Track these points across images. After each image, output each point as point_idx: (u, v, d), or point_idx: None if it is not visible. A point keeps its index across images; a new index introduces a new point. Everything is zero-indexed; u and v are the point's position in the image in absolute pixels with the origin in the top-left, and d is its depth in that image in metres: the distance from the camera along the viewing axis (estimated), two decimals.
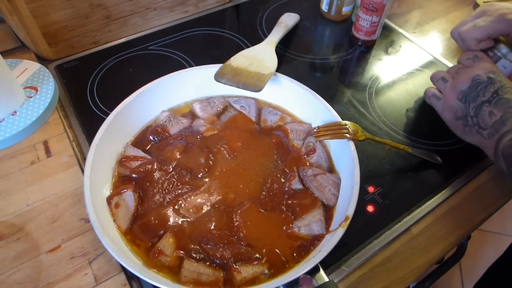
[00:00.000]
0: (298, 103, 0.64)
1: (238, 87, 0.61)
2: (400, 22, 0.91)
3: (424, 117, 0.70)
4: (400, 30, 0.88)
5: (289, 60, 0.80)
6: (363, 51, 0.83)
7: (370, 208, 0.58)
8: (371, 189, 0.60)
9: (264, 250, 0.50)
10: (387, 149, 0.62)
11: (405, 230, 0.56)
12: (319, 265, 0.46)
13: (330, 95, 0.73)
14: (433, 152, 0.64)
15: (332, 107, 0.60)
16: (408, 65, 0.80)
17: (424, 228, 0.57)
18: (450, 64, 0.81)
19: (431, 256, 0.54)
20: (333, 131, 0.57)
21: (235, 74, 0.62)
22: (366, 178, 0.59)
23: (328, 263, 0.51)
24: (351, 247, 0.53)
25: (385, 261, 0.53)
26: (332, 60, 0.81)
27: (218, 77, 0.62)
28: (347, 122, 0.58)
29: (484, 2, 0.83)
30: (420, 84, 0.76)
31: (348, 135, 0.56)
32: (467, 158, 0.64)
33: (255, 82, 0.61)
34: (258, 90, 0.60)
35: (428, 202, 0.59)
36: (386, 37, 0.86)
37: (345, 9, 0.85)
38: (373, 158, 0.63)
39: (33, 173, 0.57)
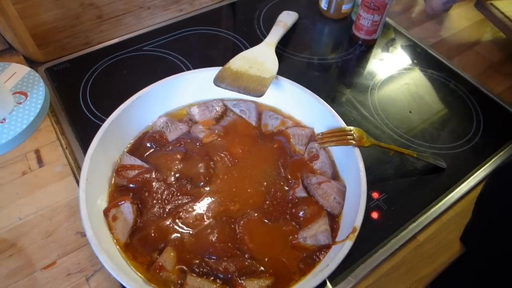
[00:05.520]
0: (300, 107, 0.62)
1: (239, 92, 0.58)
2: (400, 20, 0.89)
3: (427, 119, 0.69)
4: (400, 29, 0.86)
5: (287, 59, 0.78)
6: (363, 50, 0.81)
7: (375, 215, 0.56)
8: (375, 195, 0.58)
9: (269, 263, 0.48)
10: (392, 154, 0.60)
11: (411, 238, 0.55)
12: (326, 279, 0.45)
13: (330, 97, 0.71)
14: (437, 156, 0.63)
15: (333, 108, 0.59)
16: (409, 65, 0.79)
17: (430, 235, 0.56)
18: (449, 64, 0.79)
19: (438, 264, 0.53)
20: (338, 137, 0.55)
21: (235, 78, 0.60)
22: (370, 183, 0.57)
23: (334, 274, 0.49)
24: (357, 256, 0.52)
25: (392, 270, 0.52)
26: (331, 59, 0.79)
27: (218, 81, 0.59)
28: (351, 127, 0.56)
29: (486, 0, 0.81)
30: (422, 84, 0.75)
31: (353, 142, 0.54)
32: (471, 162, 0.63)
33: (256, 87, 0.58)
34: (260, 95, 0.58)
35: (434, 208, 0.57)
36: (387, 35, 0.85)
37: (345, 7, 0.83)
38: (377, 163, 0.62)
39: (25, 185, 0.54)
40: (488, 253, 0.54)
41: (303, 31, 0.85)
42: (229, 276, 0.46)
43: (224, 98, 0.65)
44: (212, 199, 0.53)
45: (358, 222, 0.47)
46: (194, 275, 0.46)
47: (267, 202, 0.53)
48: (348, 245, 0.46)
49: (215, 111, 0.63)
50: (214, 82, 0.59)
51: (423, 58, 0.81)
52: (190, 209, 0.52)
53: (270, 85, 0.60)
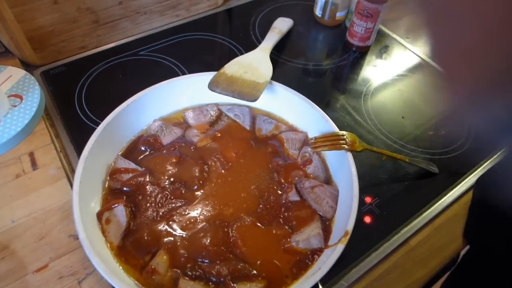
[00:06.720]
0: (294, 111, 0.63)
1: (233, 96, 0.59)
2: (393, 27, 0.91)
3: (420, 124, 0.70)
4: (394, 36, 0.88)
5: (283, 65, 0.78)
6: (357, 56, 0.82)
7: (367, 219, 0.57)
8: (368, 199, 0.59)
9: (261, 266, 0.48)
10: (385, 158, 0.61)
11: (404, 242, 0.55)
12: (319, 283, 0.45)
13: (324, 102, 0.72)
14: (429, 161, 0.63)
15: (327, 114, 0.59)
16: (402, 71, 0.80)
17: (422, 239, 0.56)
18: (442, 70, 0.80)
19: (430, 268, 0.54)
20: (331, 142, 0.56)
21: (229, 83, 0.60)
22: (362, 188, 0.57)
23: (327, 278, 0.49)
24: (350, 260, 0.52)
25: (384, 274, 0.53)
26: (325, 66, 0.80)
27: (212, 86, 0.60)
28: (344, 132, 0.57)
29: None
30: (415, 90, 0.76)
31: (346, 146, 0.55)
32: (463, 167, 0.64)
33: (250, 91, 0.59)
34: (254, 100, 0.58)
35: (426, 213, 0.58)
36: (380, 42, 0.86)
37: (339, 14, 0.84)
38: (370, 167, 0.62)
39: (19, 187, 0.54)
40: (488, 249, 0.54)
41: (298, 37, 0.85)
42: (222, 279, 0.46)
43: (219, 103, 0.65)
44: (206, 202, 0.53)
45: (350, 226, 0.48)
46: (187, 278, 0.46)
47: (261, 206, 0.54)
48: (340, 248, 0.46)
49: (209, 115, 0.63)
50: (208, 86, 0.60)
51: (416, 65, 0.82)
52: (183, 213, 0.52)
53: (264, 90, 0.60)
